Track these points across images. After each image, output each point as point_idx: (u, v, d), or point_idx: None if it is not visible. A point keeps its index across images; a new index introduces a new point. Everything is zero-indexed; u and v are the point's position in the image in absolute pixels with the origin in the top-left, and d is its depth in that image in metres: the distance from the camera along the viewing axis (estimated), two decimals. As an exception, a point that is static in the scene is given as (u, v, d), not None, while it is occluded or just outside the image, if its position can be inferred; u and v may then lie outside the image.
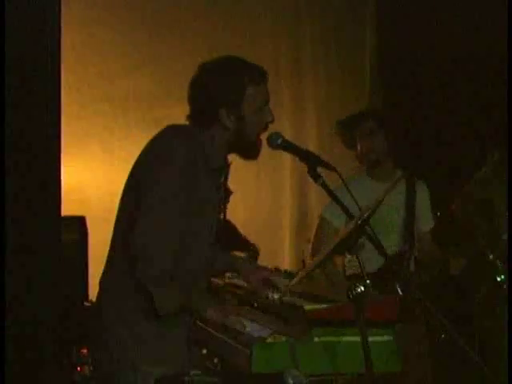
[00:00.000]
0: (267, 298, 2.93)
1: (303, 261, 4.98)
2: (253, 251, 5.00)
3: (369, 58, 6.19)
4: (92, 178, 5.76)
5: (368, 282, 2.41)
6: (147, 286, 2.54)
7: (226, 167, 2.84)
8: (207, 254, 2.79)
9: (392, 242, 4.13)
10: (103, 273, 2.76)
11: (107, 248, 2.98)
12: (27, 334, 3.70)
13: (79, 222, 4.77)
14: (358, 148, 4.26)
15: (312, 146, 6.01)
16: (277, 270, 3.73)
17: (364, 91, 6.20)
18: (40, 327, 3.71)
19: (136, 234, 2.54)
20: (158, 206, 2.57)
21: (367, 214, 2.54)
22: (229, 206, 4.75)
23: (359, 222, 2.49)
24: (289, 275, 3.15)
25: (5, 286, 3.42)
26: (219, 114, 2.69)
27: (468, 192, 4.73)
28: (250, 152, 2.78)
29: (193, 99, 2.74)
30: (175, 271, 2.59)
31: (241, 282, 3.29)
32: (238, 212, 5.01)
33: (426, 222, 4.37)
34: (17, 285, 3.58)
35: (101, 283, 2.76)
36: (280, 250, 6.12)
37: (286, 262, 5.98)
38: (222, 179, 2.83)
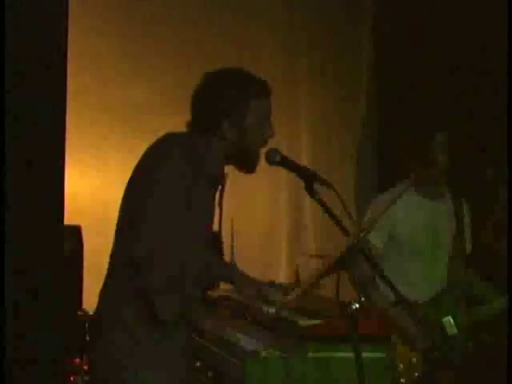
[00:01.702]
0: (262, 312, 2.94)
1: (297, 273, 5.00)
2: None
3: (365, 70, 6.23)
4: (86, 187, 5.76)
5: (362, 299, 2.43)
6: (149, 294, 2.54)
7: (222, 178, 2.85)
8: (201, 263, 2.80)
9: (444, 263, 4.04)
10: (104, 282, 2.77)
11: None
12: (20, 343, 3.71)
13: (74, 232, 4.77)
14: (435, 160, 3.92)
15: (306, 158, 6.11)
16: (271, 283, 3.76)
17: (360, 104, 6.24)
18: (33, 336, 3.73)
19: (137, 241, 2.54)
20: (159, 212, 2.57)
21: (365, 231, 2.55)
22: (224, 218, 4.78)
23: (356, 239, 2.50)
24: (284, 289, 3.14)
25: (4, 294, 3.44)
26: (221, 125, 2.71)
27: (499, 220, 4.39)
28: (248, 165, 2.80)
29: (196, 108, 2.76)
30: (177, 278, 2.60)
31: (235, 296, 3.30)
32: (233, 224, 5.02)
33: (468, 244, 4.12)
34: (16, 293, 3.60)
35: (101, 291, 2.77)
36: (275, 263, 6.14)
37: (281, 275, 6.00)
38: (219, 189, 2.84)
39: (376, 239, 3.91)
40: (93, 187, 5.80)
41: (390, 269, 3.84)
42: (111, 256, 2.75)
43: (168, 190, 2.59)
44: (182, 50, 5.97)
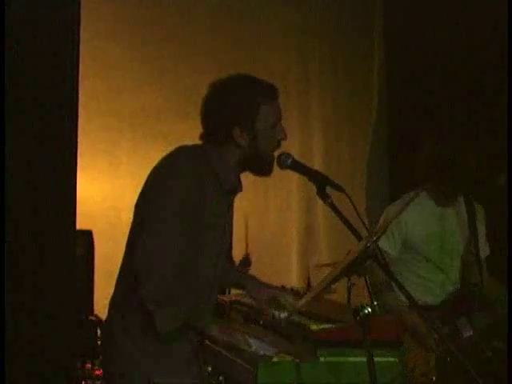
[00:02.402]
0: (274, 316, 2.94)
1: (308, 278, 5.00)
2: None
3: (377, 73, 6.21)
4: (98, 192, 5.78)
5: (375, 303, 2.42)
6: (148, 306, 2.55)
7: (239, 185, 2.85)
8: (217, 272, 2.80)
9: (455, 268, 4.01)
10: (114, 290, 2.78)
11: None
12: (32, 348, 3.72)
13: (86, 236, 4.78)
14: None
15: (318, 162, 6.08)
16: (283, 288, 3.75)
17: (371, 108, 6.21)
18: (45, 342, 3.74)
19: (137, 252, 2.55)
20: (160, 224, 2.58)
21: (376, 236, 2.55)
22: (235, 223, 4.78)
23: (368, 244, 2.50)
24: (295, 294, 3.14)
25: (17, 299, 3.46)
26: (233, 132, 2.71)
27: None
28: (263, 169, 2.80)
29: (206, 118, 2.76)
30: (178, 290, 2.61)
31: (247, 300, 3.29)
32: (244, 229, 5.02)
33: (483, 249, 4.08)
34: (28, 298, 3.62)
35: (111, 298, 2.78)
36: (286, 267, 6.12)
37: (293, 279, 5.98)
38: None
39: (388, 245, 3.91)
40: (104, 192, 5.81)
41: (404, 273, 3.88)
42: (121, 265, 2.76)
43: (171, 203, 2.59)
44: (195, 57, 5.97)
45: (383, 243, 3.82)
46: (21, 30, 3.66)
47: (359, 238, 2.62)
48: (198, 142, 2.82)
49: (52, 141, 3.82)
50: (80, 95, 4.17)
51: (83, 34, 4.20)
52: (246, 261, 5.28)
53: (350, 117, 6.23)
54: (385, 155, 6.05)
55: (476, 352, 3.74)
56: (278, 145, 2.80)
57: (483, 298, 3.92)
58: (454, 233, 4.02)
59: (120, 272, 2.76)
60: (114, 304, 2.76)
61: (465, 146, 3.91)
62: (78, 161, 4.13)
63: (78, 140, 4.14)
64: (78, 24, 3.90)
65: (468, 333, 3.72)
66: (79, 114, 4.15)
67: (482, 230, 4.07)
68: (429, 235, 3.97)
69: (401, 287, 2.57)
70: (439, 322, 3.75)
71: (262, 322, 3.06)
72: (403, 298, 2.98)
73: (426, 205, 4.00)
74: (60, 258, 3.71)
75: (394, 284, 2.65)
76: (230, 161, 2.75)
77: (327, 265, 5.16)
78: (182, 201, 2.59)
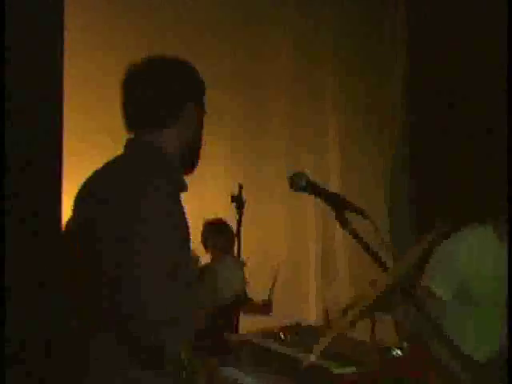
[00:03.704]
0: (295, 358, 2.87)
1: (327, 312, 4.91)
2: None
3: (399, 84, 6.21)
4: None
5: (405, 344, 2.33)
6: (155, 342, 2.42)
7: (183, 183, 2.72)
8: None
9: (499, 319, 3.58)
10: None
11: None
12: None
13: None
14: None
15: (334, 183, 6.07)
16: (298, 324, 3.69)
17: (389, 120, 6.22)
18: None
19: (127, 292, 2.41)
20: (147, 251, 2.43)
21: (405, 269, 2.45)
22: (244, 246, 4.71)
23: (396, 279, 2.40)
24: (313, 331, 3.19)
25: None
26: (186, 107, 2.68)
27: None
28: (195, 162, 2.76)
29: (151, 95, 2.67)
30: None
31: (256, 340, 3.28)
32: (254, 257, 4.95)
33: None
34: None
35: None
36: (302, 300, 6.07)
37: (310, 312, 5.95)
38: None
39: (441, 288, 3.59)
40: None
41: (453, 321, 3.53)
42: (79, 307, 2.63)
43: (158, 231, 2.46)
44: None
45: (433, 283, 3.57)
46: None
47: (385, 268, 2.52)
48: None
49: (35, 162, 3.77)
50: (69, 111, 4.13)
51: (73, 44, 4.16)
52: (268, 308, 5.15)
53: (369, 131, 6.24)
54: (408, 172, 6.04)
55: None
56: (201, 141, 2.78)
57: None
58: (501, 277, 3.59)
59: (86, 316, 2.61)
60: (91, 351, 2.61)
61: None
62: (68, 182, 4.08)
63: (69, 160, 4.09)
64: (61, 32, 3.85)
65: None
66: (70, 132, 4.10)
67: None
68: (493, 278, 3.62)
69: (442, 336, 2.43)
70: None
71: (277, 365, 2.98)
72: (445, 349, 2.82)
73: (488, 240, 3.67)
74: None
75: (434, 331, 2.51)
76: (178, 146, 2.69)
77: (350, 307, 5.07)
78: (167, 226, 2.48)
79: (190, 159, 2.74)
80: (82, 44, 5.38)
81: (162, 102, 2.68)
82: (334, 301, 5.38)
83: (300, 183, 2.64)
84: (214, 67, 5.82)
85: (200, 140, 2.76)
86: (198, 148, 2.76)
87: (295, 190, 2.66)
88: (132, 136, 2.71)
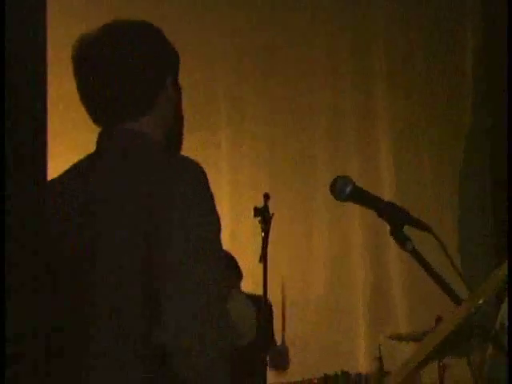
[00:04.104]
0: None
1: (380, 358, 4.85)
2: None
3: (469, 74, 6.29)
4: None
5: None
6: None
7: None
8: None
9: None
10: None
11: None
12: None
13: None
14: None
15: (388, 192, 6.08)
16: (344, 373, 3.64)
17: (464, 115, 6.25)
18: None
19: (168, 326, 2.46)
20: (192, 265, 2.48)
21: (483, 301, 2.34)
22: (272, 280, 4.67)
23: (472, 313, 2.30)
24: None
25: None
26: (167, 84, 2.70)
27: None
28: (179, 150, 2.80)
29: (127, 74, 2.66)
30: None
31: None
32: (285, 290, 4.91)
33: None
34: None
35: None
36: (349, 344, 6.04)
37: (359, 360, 5.90)
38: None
39: None
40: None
41: None
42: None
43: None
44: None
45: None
46: None
47: (457, 300, 2.46)
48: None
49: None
50: (59, 130, 4.18)
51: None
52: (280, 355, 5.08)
53: (430, 126, 6.28)
54: (486, 178, 6.06)
55: None
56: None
57: None
58: None
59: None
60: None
61: None
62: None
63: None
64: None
65: None
66: (58, 149, 4.16)
67: None
68: None
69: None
70: None
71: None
72: None
73: None
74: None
75: None
76: (162, 135, 2.73)
77: (402, 338, 5.04)
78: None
79: (176, 145, 2.78)
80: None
81: (139, 82, 2.66)
82: (389, 345, 5.31)
83: (345, 189, 2.59)
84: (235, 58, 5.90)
85: (182, 119, 2.77)
86: (182, 129, 2.78)
87: (338, 198, 2.60)
88: (104, 127, 2.69)
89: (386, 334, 5.65)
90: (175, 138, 2.78)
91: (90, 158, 2.70)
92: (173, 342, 2.47)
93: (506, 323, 3.49)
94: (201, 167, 2.58)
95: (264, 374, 4.69)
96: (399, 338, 5.13)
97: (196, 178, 2.57)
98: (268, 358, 4.75)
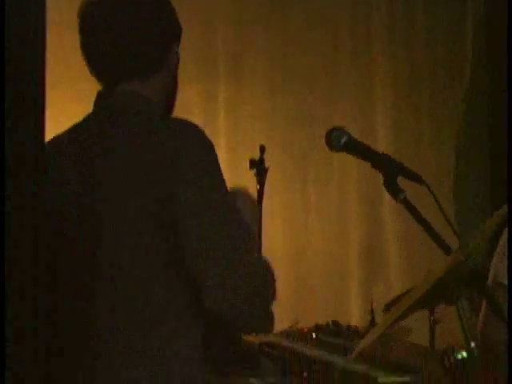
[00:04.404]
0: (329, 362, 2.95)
1: (372, 312, 4.89)
2: None
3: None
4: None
5: (473, 345, 2.27)
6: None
7: None
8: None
9: None
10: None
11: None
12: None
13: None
14: None
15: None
16: (334, 323, 3.69)
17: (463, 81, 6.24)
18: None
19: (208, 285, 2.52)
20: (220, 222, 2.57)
21: (475, 250, 2.39)
22: (269, 236, 4.67)
23: (463, 261, 2.34)
24: (353, 333, 3.30)
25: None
26: (172, 49, 2.76)
27: None
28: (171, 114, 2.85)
29: (135, 36, 2.69)
30: None
31: (282, 341, 3.41)
32: (286, 247, 4.95)
33: None
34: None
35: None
36: (343, 296, 6.09)
37: (352, 312, 5.98)
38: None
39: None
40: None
41: None
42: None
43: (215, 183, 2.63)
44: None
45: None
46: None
47: (447, 250, 2.48)
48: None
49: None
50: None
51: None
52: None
53: (431, 84, 6.30)
54: (484, 137, 6.10)
55: None
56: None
57: None
58: None
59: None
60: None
61: None
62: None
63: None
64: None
65: None
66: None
67: None
68: None
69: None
70: None
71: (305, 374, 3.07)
72: None
73: None
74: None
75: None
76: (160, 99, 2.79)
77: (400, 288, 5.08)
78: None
79: (169, 109, 2.83)
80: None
81: (150, 42, 2.71)
82: (382, 298, 5.35)
83: (339, 140, 2.62)
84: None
85: (177, 86, 2.84)
86: (175, 98, 2.85)
87: (333, 149, 2.64)
88: (105, 87, 2.75)
89: (379, 288, 5.73)
90: (170, 106, 2.83)
91: (89, 119, 2.75)
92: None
93: (506, 283, 3.38)
94: (203, 131, 2.64)
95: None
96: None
97: (204, 142, 2.62)
98: None
